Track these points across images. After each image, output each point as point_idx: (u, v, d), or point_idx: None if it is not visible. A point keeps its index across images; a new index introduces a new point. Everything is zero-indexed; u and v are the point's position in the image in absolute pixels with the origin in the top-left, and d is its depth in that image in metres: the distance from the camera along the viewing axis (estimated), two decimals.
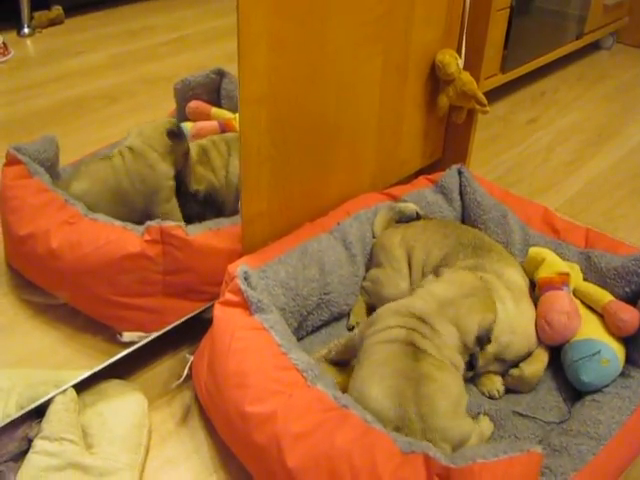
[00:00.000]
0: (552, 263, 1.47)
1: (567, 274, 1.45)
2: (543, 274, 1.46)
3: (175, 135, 1.67)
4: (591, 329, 1.39)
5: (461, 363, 1.23)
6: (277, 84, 1.36)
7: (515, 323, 1.37)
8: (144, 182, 1.63)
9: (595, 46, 3.43)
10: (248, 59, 1.28)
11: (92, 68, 2.29)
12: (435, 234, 1.55)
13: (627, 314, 1.37)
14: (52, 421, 1.20)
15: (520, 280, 1.45)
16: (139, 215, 1.60)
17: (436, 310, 1.24)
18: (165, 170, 1.65)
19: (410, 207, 1.65)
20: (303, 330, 1.50)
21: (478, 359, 1.27)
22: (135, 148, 1.64)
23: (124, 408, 1.30)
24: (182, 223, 1.46)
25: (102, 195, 1.60)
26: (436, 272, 1.36)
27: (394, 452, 1.05)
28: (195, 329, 1.46)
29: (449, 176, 1.76)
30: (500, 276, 1.41)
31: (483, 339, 1.24)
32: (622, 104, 2.89)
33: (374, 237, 1.63)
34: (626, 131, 2.66)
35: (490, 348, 1.32)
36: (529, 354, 1.39)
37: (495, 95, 2.82)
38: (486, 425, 1.28)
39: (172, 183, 1.66)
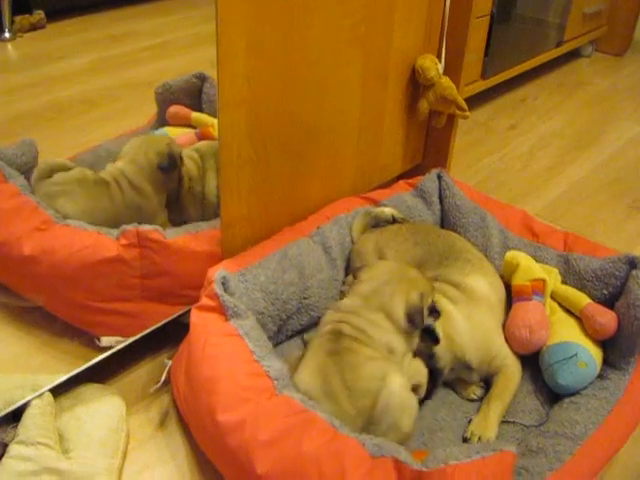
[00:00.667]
0: (527, 269, 1.47)
1: (542, 280, 1.45)
2: (518, 281, 1.47)
3: (166, 169, 1.66)
4: (568, 332, 1.39)
5: (398, 344, 1.27)
6: (256, 88, 1.37)
7: (464, 327, 1.37)
8: (140, 211, 1.64)
9: (575, 54, 3.47)
10: (227, 64, 1.28)
11: (73, 73, 2.27)
12: (406, 242, 1.56)
13: (604, 317, 1.38)
14: (28, 425, 1.19)
15: (485, 288, 1.45)
16: None
17: (363, 304, 1.30)
18: (159, 202, 1.67)
19: (386, 212, 1.66)
20: (283, 334, 1.49)
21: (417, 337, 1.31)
22: (131, 179, 1.64)
23: (102, 412, 1.29)
24: (159, 227, 1.45)
25: (96, 216, 1.59)
26: (354, 275, 1.43)
27: (363, 457, 1.05)
28: (174, 333, 1.46)
29: (428, 180, 1.76)
30: (457, 285, 1.43)
31: (414, 315, 1.27)
32: (601, 111, 2.92)
33: (353, 242, 1.63)
34: (605, 137, 2.68)
35: (446, 347, 1.34)
36: (491, 364, 1.39)
37: (476, 101, 2.84)
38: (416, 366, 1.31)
39: (165, 213, 1.69)
